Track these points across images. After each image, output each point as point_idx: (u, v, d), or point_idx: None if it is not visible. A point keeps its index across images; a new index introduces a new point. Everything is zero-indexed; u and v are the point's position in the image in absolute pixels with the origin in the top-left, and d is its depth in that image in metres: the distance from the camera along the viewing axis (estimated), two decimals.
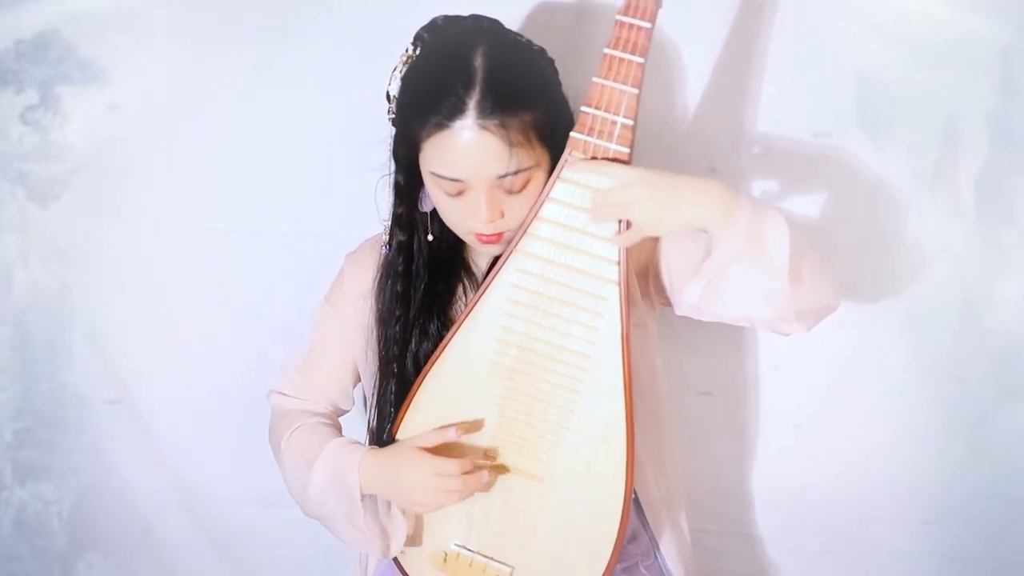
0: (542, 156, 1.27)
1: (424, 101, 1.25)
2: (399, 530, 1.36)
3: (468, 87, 1.22)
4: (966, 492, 1.67)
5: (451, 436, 1.29)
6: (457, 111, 1.22)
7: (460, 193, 1.27)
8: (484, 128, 1.22)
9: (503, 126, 1.22)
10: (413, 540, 1.38)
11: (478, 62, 1.23)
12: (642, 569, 1.44)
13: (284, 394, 1.48)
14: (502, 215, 1.28)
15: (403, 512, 1.35)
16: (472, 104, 1.22)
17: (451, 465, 1.28)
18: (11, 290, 1.72)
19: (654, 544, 1.46)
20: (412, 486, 1.30)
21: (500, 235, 1.30)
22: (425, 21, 1.34)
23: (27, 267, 1.71)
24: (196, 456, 1.78)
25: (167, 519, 1.81)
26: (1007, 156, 1.53)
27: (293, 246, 1.68)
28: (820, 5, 1.51)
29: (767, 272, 1.20)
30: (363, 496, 1.33)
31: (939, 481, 1.67)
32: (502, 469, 1.33)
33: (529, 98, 1.25)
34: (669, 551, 1.45)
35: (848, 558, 1.73)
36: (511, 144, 1.22)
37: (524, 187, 1.27)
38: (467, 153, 1.23)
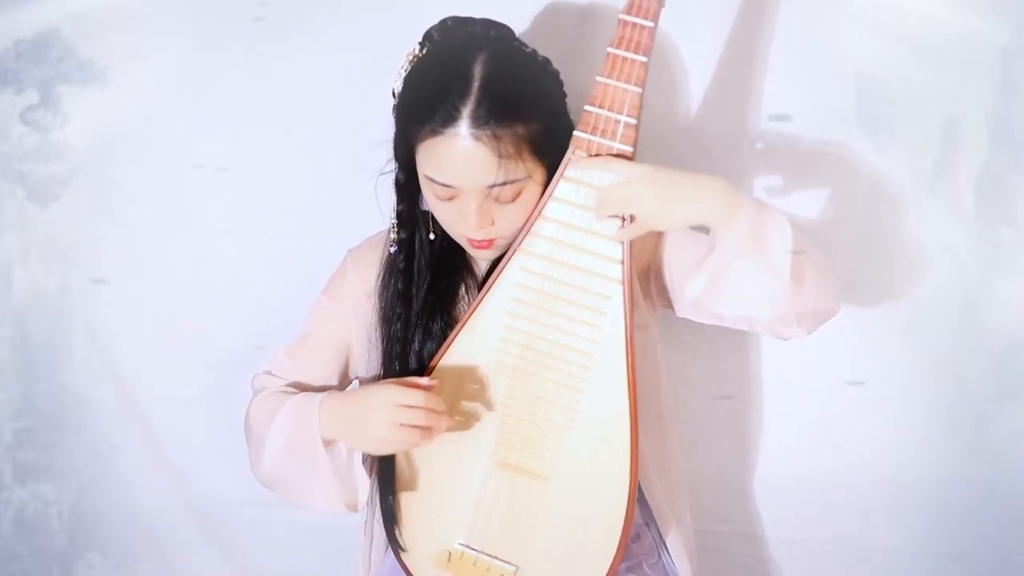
0: (535, 169, 1.27)
1: (421, 104, 1.26)
2: (363, 482, 1.34)
3: (463, 95, 1.22)
4: (966, 492, 1.67)
5: (423, 383, 1.28)
6: (451, 119, 1.22)
7: (452, 198, 1.28)
8: (476, 138, 1.22)
9: (495, 137, 1.22)
10: (416, 539, 1.37)
11: (477, 70, 1.23)
12: (646, 568, 1.43)
13: (268, 373, 1.47)
14: (492, 223, 1.28)
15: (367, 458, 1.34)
16: (466, 113, 1.22)
17: (415, 395, 1.26)
18: (11, 290, 1.71)
19: (658, 543, 1.46)
20: (373, 419, 1.27)
21: (491, 241, 1.30)
22: (426, 21, 1.33)
23: (27, 267, 1.70)
24: (196, 456, 1.77)
25: (167, 519, 1.80)
26: (1007, 156, 1.54)
27: (293, 246, 1.67)
28: (820, 5, 1.51)
29: (769, 271, 1.20)
30: (325, 442, 1.31)
31: (939, 481, 1.67)
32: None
33: (525, 111, 1.24)
34: (675, 546, 1.44)
35: (848, 558, 1.72)
36: (500, 156, 1.22)
37: (515, 198, 1.27)
38: (458, 161, 1.24)
